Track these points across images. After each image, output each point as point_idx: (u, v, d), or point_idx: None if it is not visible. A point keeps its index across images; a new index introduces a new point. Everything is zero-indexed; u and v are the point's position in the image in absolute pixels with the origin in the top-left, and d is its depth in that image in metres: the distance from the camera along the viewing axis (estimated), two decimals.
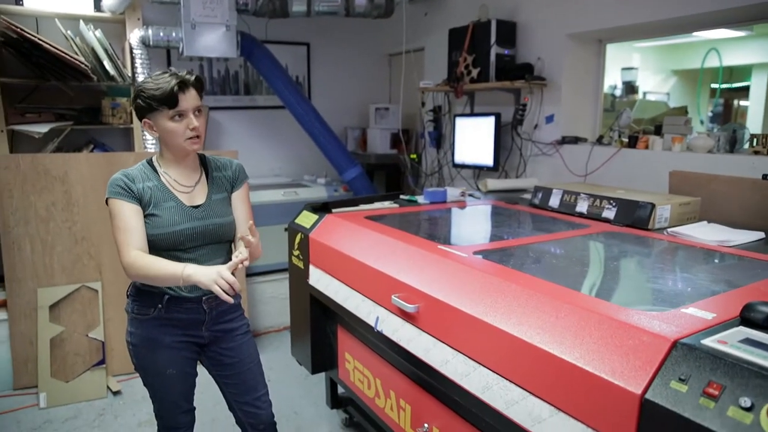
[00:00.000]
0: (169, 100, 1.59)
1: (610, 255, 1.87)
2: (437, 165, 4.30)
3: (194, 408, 1.93)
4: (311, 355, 2.46)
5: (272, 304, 3.97)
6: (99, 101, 3.71)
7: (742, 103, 6.19)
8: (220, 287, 1.53)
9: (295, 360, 2.73)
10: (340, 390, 2.73)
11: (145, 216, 1.67)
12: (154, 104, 1.61)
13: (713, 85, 5.84)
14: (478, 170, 3.89)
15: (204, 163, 1.84)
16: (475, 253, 1.75)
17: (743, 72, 5.86)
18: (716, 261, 1.77)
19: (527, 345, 1.29)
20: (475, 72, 3.49)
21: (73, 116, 3.59)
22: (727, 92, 5.89)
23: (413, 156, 4.50)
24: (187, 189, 1.76)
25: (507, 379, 1.35)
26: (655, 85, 5.86)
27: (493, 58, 3.43)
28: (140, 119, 1.69)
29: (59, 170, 3.15)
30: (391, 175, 4.69)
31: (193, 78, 1.66)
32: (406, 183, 4.59)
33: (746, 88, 5.90)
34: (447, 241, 2.10)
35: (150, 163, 1.76)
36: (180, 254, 1.71)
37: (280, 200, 3.86)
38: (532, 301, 1.38)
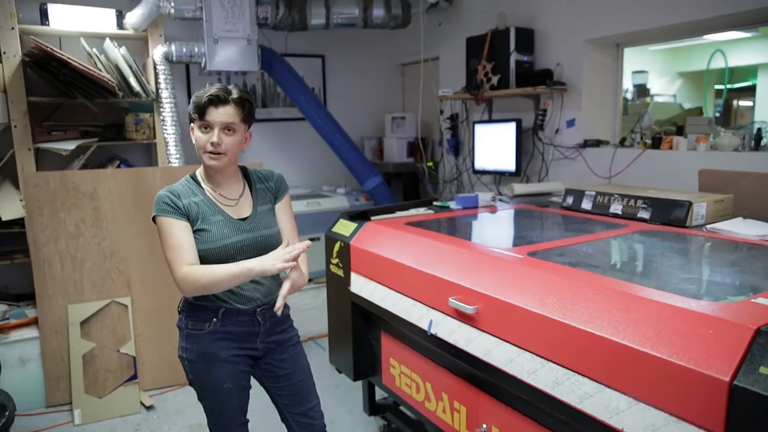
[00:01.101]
0: (199, 111, 1.63)
1: (660, 252, 1.91)
2: (456, 172, 4.35)
3: (248, 421, 1.93)
4: (353, 362, 2.48)
5: (295, 315, 3.95)
6: (121, 117, 3.74)
7: (742, 103, 6.30)
8: (284, 261, 1.56)
9: (335, 368, 2.75)
10: (378, 397, 2.74)
11: (194, 232, 1.67)
12: (191, 112, 1.66)
13: (717, 87, 5.94)
14: (499, 176, 3.93)
15: (246, 175, 1.84)
16: (530, 254, 1.78)
17: (745, 72, 5.95)
18: (764, 254, 1.81)
19: (601, 339, 1.32)
20: (495, 79, 3.55)
21: (98, 133, 3.62)
22: (728, 92, 5.97)
23: (430, 164, 4.55)
24: (232, 202, 1.75)
25: (579, 374, 1.37)
26: (662, 88, 5.95)
27: (512, 65, 3.49)
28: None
29: (88, 187, 3.18)
30: (409, 183, 4.73)
31: (233, 95, 1.66)
32: (424, 190, 4.63)
33: (748, 89, 6.00)
34: (497, 243, 2.13)
35: (194, 177, 1.76)
36: None
37: (304, 211, 3.88)
38: (601, 296, 1.41)
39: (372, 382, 2.64)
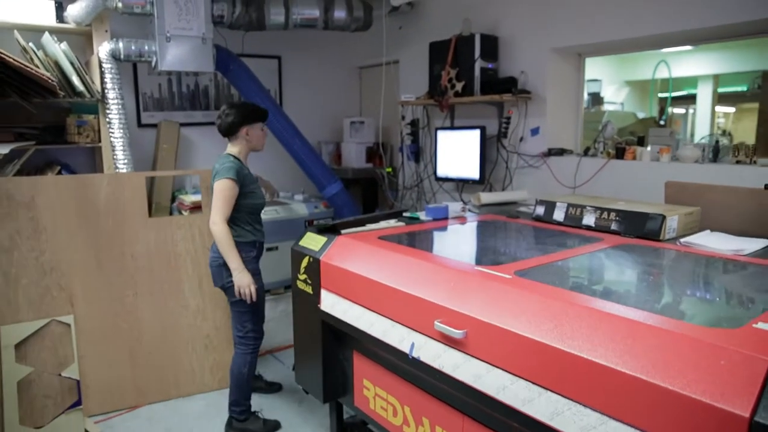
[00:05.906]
0: (265, 116, 2.78)
1: (645, 269, 1.89)
2: (417, 178, 4.28)
3: None
4: (323, 383, 2.35)
5: None
6: (61, 119, 3.44)
7: (675, 110, 6.61)
8: (243, 292, 2.58)
9: (302, 388, 2.61)
10: (345, 416, 2.63)
11: (250, 192, 2.64)
12: (251, 118, 2.69)
13: (660, 95, 6.17)
14: (462, 183, 3.89)
15: None
16: (517, 272, 1.72)
17: (684, 82, 6.22)
18: (743, 270, 1.82)
19: (606, 369, 1.26)
20: (459, 86, 3.50)
21: (35, 135, 3.31)
22: (663, 101, 6.22)
23: (389, 169, 4.46)
24: None
25: (582, 404, 1.32)
26: (610, 96, 6.12)
27: (477, 72, 3.45)
28: (240, 128, 2.67)
29: (24, 195, 2.89)
30: (368, 189, 4.63)
31: None
32: (384, 197, 4.54)
33: (685, 97, 6.28)
34: (479, 260, 2.06)
35: (236, 158, 2.66)
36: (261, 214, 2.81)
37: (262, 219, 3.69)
38: (603, 323, 1.36)
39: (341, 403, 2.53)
